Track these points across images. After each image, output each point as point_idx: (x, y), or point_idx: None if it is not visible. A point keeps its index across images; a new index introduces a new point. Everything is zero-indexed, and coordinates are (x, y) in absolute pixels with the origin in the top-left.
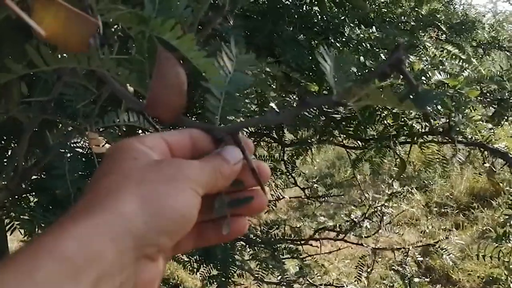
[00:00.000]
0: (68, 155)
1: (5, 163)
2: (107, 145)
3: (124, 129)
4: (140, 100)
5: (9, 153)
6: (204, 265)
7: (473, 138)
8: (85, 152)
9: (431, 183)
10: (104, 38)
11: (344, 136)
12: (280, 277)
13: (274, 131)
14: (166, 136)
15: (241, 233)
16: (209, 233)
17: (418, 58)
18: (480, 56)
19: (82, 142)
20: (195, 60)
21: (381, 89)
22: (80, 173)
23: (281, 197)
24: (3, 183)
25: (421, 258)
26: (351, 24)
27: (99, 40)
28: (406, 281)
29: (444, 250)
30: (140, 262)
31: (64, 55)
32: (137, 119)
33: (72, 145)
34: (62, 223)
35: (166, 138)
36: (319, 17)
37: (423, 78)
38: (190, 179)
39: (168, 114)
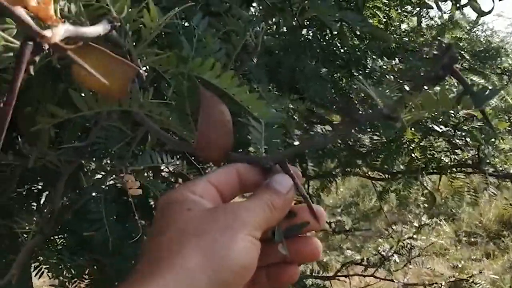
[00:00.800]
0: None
1: (41, 206)
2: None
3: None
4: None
5: (44, 196)
6: None
7: (503, 168)
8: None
9: (459, 211)
10: (141, 81)
11: (369, 168)
12: None
13: (297, 164)
14: (213, 179)
15: (293, 281)
16: (262, 280)
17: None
18: (506, 83)
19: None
20: (238, 96)
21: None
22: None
23: None
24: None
25: None
26: (373, 56)
27: (138, 83)
28: None
29: (478, 285)
30: None
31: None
32: (172, 159)
33: (106, 188)
34: (131, 285)
35: (213, 182)
36: (341, 50)
37: (450, 111)
38: (246, 225)
39: (217, 154)
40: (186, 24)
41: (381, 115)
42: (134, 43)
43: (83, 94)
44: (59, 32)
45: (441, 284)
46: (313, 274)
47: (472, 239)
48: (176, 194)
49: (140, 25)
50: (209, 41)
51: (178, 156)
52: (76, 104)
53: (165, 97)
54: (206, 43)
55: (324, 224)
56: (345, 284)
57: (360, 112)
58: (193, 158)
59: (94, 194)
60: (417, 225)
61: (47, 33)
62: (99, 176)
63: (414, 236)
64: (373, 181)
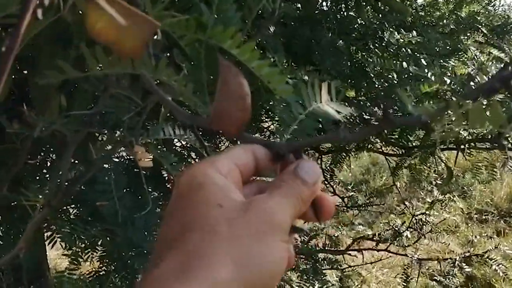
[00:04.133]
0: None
1: (47, 177)
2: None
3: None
4: (189, 113)
5: (50, 167)
6: None
7: None
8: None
9: (471, 189)
10: (154, 47)
11: (384, 143)
12: None
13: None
14: (235, 159)
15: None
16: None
17: (461, 62)
18: None
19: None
20: (258, 70)
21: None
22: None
23: None
24: (46, 199)
25: (462, 267)
26: (390, 29)
27: (152, 48)
28: None
29: (494, 260)
30: None
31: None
32: (184, 132)
33: (116, 159)
34: (155, 285)
35: (236, 162)
36: (358, 22)
37: (471, 83)
38: (280, 230)
39: (233, 128)
40: None
41: (419, 122)
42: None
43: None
44: None
45: (455, 259)
46: (325, 248)
47: (483, 217)
48: (201, 173)
49: None
50: (223, 5)
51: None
52: (88, 63)
53: (178, 66)
54: (221, 7)
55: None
56: (355, 259)
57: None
58: (201, 133)
59: (104, 165)
60: (430, 200)
61: None
62: (109, 147)
63: (427, 212)
64: (386, 157)
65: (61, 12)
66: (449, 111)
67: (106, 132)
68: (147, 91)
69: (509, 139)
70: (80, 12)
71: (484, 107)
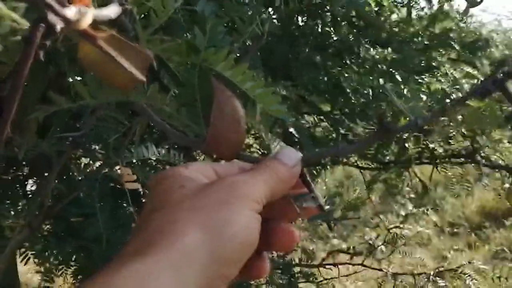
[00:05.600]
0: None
1: (27, 194)
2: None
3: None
4: (185, 135)
5: (30, 190)
6: None
7: (494, 158)
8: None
9: (443, 203)
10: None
11: (359, 158)
12: None
13: None
14: (213, 165)
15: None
16: (255, 264)
17: (434, 78)
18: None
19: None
20: (251, 92)
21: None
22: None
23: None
24: (26, 220)
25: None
26: (366, 45)
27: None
28: None
29: (467, 275)
30: None
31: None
32: (167, 152)
33: (101, 181)
34: (117, 263)
35: (213, 166)
36: (333, 38)
37: (446, 100)
38: (244, 199)
39: (229, 152)
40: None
41: (415, 126)
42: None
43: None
44: (89, 16)
45: (429, 274)
46: (301, 262)
47: (455, 230)
48: (170, 170)
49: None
50: (215, 29)
51: (175, 147)
52: (73, 90)
53: (165, 87)
54: (214, 31)
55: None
56: (329, 272)
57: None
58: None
59: (86, 187)
60: (403, 214)
61: (70, 15)
62: (90, 168)
63: (401, 225)
64: (361, 171)
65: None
66: (445, 114)
67: (89, 152)
68: (134, 111)
69: (483, 155)
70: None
71: (480, 109)
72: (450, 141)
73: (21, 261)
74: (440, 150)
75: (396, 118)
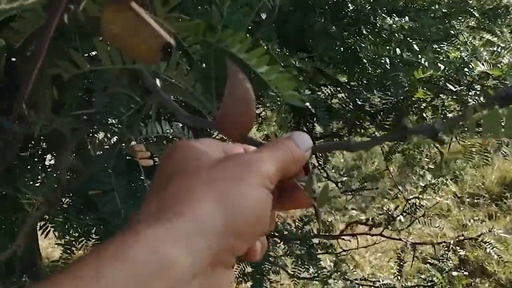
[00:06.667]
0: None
1: (39, 168)
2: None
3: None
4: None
5: (42, 157)
6: (238, 263)
7: None
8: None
9: (463, 173)
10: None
11: (378, 128)
12: (315, 273)
13: (303, 124)
14: (222, 143)
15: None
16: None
17: (453, 47)
18: None
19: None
20: (266, 76)
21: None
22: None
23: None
24: (44, 196)
25: (457, 251)
26: (382, 14)
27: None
28: (444, 275)
29: (487, 243)
30: (215, 270)
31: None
32: (182, 129)
33: (116, 157)
34: (131, 229)
35: (222, 145)
36: (350, 7)
37: (465, 69)
38: (260, 176)
39: (237, 133)
40: None
41: (432, 131)
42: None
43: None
44: None
45: (449, 242)
46: (320, 233)
47: (475, 200)
48: (184, 143)
49: None
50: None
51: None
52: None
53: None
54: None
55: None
56: (348, 244)
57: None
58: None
59: (101, 163)
60: (422, 185)
61: None
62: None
63: (420, 196)
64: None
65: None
66: (464, 119)
67: (104, 129)
68: (147, 89)
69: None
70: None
71: (499, 114)
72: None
73: (41, 234)
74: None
75: (414, 88)
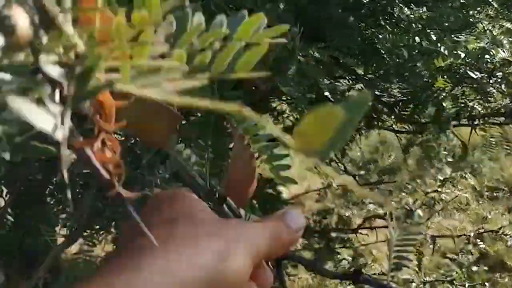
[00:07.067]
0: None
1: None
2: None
3: None
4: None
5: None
6: None
7: None
8: None
9: (481, 166)
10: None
11: (395, 120)
12: (334, 267)
13: None
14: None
15: None
16: None
17: (473, 36)
18: None
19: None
20: (262, 150)
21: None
22: None
23: (330, 184)
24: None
25: (475, 245)
26: (400, 4)
27: None
28: (464, 270)
29: (509, 236)
30: None
31: None
32: None
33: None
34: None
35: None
36: None
37: (486, 56)
38: (251, 244)
39: (240, 199)
40: None
41: None
42: None
43: None
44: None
45: (469, 235)
46: (339, 227)
47: (494, 194)
48: (187, 192)
49: None
50: None
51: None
52: None
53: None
54: None
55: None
56: (366, 238)
57: None
58: None
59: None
60: (441, 178)
61: None
62: None
63: (438, 189)
64: (397, 134)
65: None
66: None
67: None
68: None
69: None
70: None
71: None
72: (489, 99)
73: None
74: (479, 108)
75: (433, 78)
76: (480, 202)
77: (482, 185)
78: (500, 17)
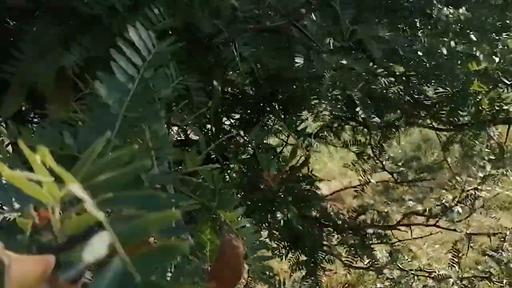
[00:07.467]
0: None
1: None
2: None
3: None
4: None
5: None
6: (292, 251)
7: None
8: None
9: None
10: None
11: (433, 120)
12: (369, 262)
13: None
14: None
15: None
16: None
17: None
18: None
19: None
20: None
21: None
22: None
23: (368, 181)
24: None
25: None
26: (438, 5)
27: None
28: (502, 267)
29: None
30: None
31: None
32: None
33: None
34: None
35: None
36: None
37: None
38: None
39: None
40: None
41: None
42: None
43: None
44: None
45: (505, 234)
46: (374, 223)
47: None
48: None
49: None
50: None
51: None
52: None
53: None
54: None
55: None
56: (405, 235)
57: None
58: None
59: None
60: (481, 175)
61: None
62: None
63: (478, 187)
64: (437, 132)
65: None
66: None
67: None
68: None
69: None
70: None
71: None
72: None
73: None
74: None
75: (470, 81)
76: None
77: None
78: None
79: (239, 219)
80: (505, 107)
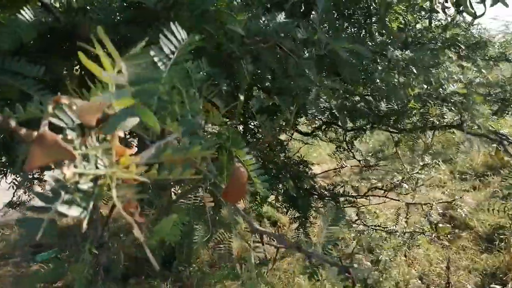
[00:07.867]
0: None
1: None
2: None
3: None
4: None
5: None
6: (291, 209)
7: (483, 126)
8: None
9: (456, 157)
10: None
11: (383, 126)
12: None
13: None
14: None
15: None
16: None
17: (439, 72)
18: (491, 67)
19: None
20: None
21: None
22: None
23: (344, 166)
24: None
25: (446, 211)
26: (391, 48)
27: None
28: (433, 226)
29: (459, 205)
30: None
31: None
32: None
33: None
34: None
35: None
36: (370, 43)
37: (440, 89)
38: None
39: (234, 201)
40: None
41: None
42: None
43: None
44: None
45: (432, 204)
46: (347, 194)
47: (464, 176)
48: None
49: None
50: None
51: None
52: None
53: None
54: None
55: None
56: (369, 202)
57: None
58: None
59: None
60: (421, 163)
61: None
62: None
63: (420, 172)
64: (391, 134)
65: None
66: None
67: None
68: None
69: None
70: None
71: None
72: (444, 116)
73: None
74: (438, 122)
75: (408, 101)
76: (453, 181)
77: (455, 170)
78: (463, 56)
79: (245, 154)
80: (431, 119)
